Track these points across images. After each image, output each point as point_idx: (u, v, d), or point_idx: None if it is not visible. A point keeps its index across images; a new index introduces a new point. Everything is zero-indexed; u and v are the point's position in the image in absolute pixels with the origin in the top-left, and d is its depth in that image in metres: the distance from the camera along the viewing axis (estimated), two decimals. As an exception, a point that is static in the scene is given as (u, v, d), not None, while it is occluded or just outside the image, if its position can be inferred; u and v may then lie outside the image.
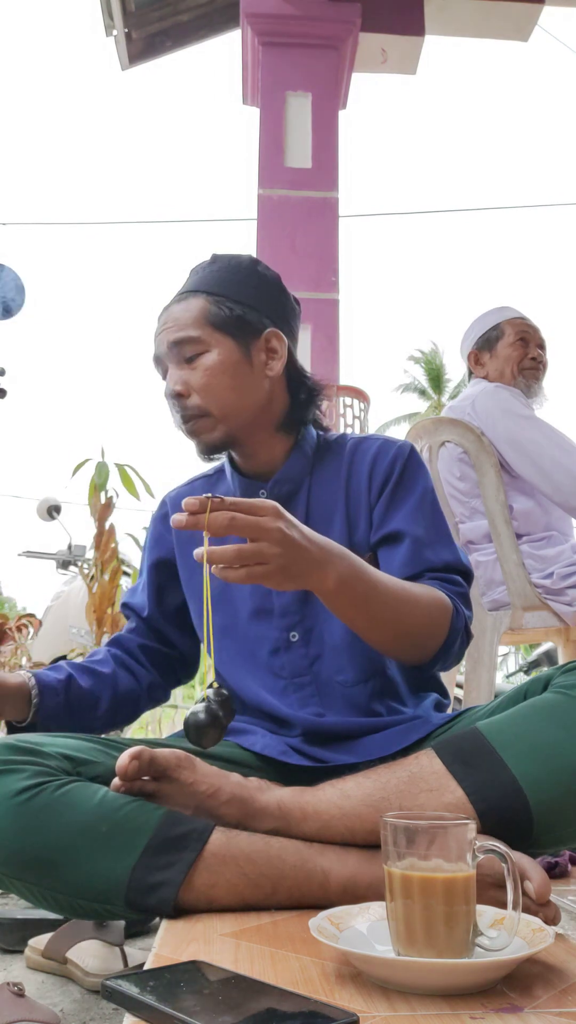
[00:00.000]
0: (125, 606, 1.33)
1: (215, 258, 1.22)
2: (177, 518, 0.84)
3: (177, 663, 1.32)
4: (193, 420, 1.16)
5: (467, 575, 1.15)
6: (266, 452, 1.21)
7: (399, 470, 1.18)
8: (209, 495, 0.84)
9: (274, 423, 1.20)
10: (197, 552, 0.85)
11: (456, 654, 1.11)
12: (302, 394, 1.23)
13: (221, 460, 1.29)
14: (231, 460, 1.26)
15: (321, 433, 1.26)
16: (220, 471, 1.29)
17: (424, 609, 1.05)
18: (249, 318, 1.17)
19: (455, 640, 1.09)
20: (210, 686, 0.92)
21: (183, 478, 1.36)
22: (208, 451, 1.19)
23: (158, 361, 1.20)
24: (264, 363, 1.18)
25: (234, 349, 1.16)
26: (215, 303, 1.17)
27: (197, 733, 0.89)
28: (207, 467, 1.33)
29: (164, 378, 1.20)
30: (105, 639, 2.54)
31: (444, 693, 1.23)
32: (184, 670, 1.33)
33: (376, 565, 1.15)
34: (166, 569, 1.28)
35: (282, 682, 1.14)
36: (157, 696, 1.29)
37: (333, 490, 1.21)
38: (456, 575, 1.13)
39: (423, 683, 1.21)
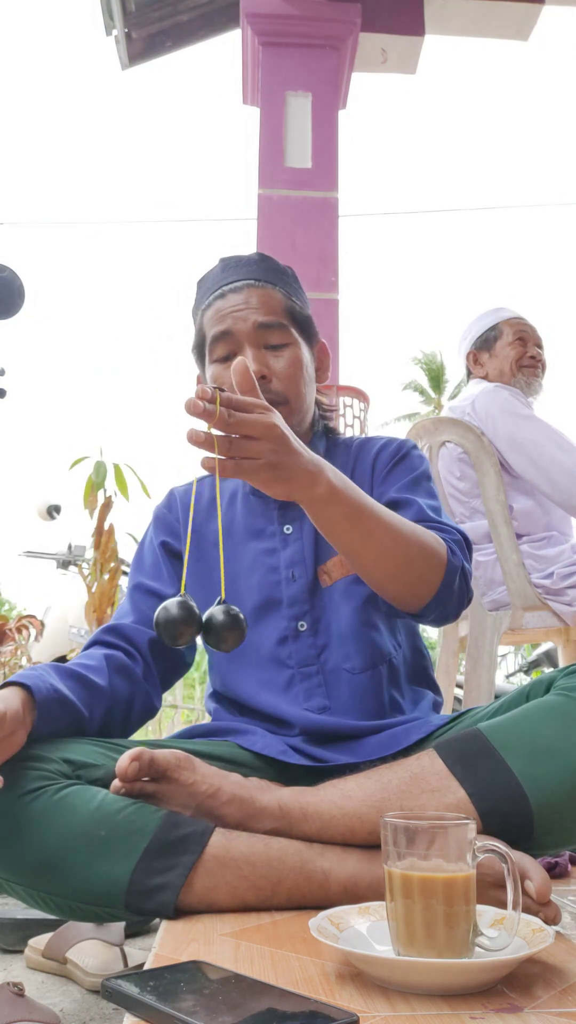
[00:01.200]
0: (139, 588, 1.23)
1: (264, 256, 1.24)
2: (193, 402, 0.82)
3: (180, 664, 1.24)
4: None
5: (464, 536, 1.13)
6: None
7: (400, 456, 1.23)
8: (218, 387, 0.84)
9: (308, 429, 1.25)
10: (190, 433, 0.83)
11: (456, 600, 1.08)
12: (322, 405, 1.29)
13: None
14: None
15: (331, 435, 1.30)
16: None
17: (419, 538, 1.03)
18: (313, 324, 1.24)
19: (453, 579, 1.06)
20: (220, 602, 0.89)
21: (183, 478, 1.36)
22: None
23: (224, 337, 1.17)
24: (316, 370, 1.25)
25: (306, 350, 1.22)
26: (290, 299, 1.21)
27: (217, 636, 0.87)
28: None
29: (216, 359, 1.18)
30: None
31: (437, 690, 1.23)
32: (182, 672, 1.27)
33: None
34: (172, 552, 1.27)
35: (288, 672, 1.14)
36: (150, 708, 1.17)
37: None
38: (452, 529, 1.11)
39: (421, 675, 1.22)
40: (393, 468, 1.22)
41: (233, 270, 1.21)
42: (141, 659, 1.17)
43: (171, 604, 0.87)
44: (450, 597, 1.07)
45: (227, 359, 1.18)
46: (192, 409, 0.82)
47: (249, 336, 1.17)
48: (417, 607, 1.07)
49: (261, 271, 1.21)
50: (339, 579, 1.16)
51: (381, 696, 1.13)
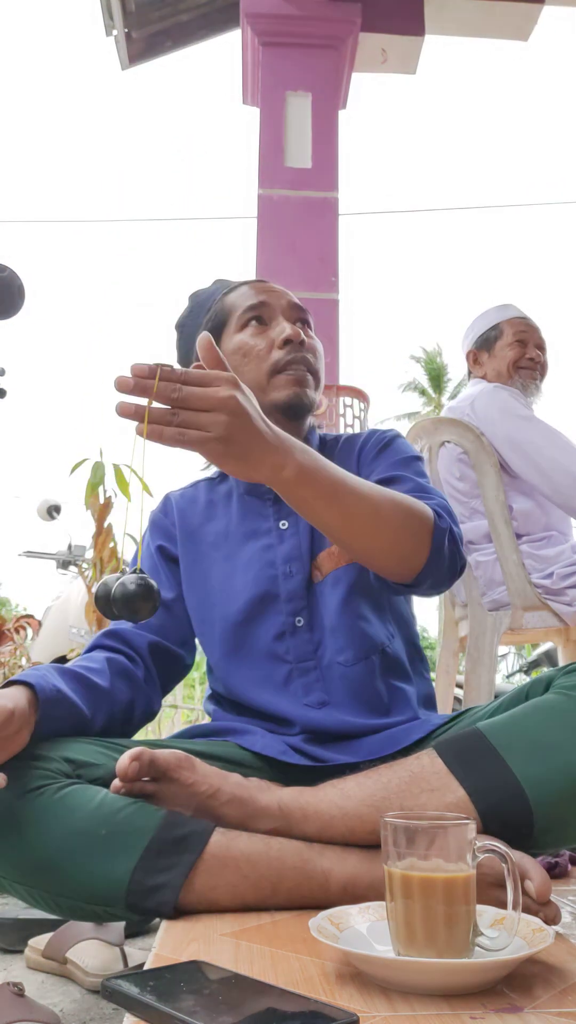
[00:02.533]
0: None
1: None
2: (123, 378, 0.78)
3: (180, 667, 1.25)
4: (306, 370, 1.18)
5: (453, 516, 1.11)
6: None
7: (384, 443, 1.24)
8: (160, 363, 0.79)
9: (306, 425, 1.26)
10: (119, 405, 0.78)
11: (448, 565, 1.05)
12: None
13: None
14: None
15: (322, 434, 1.30)
16: (221, 475, 1.30)
17: (402, 508, 1.00)
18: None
19: (442, 543, 1.03)
20: (134, 571, 0.87)
21: (182, 479, 1.37)
22: (298, 406, 1.18)
23: (260, 307, 1.21)
24: None
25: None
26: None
27: (127, 606, 0.83)
28: (203, 472, 1.35)
29: (245, 327, 1.21)
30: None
31: (429, 680, 1.24)
32: (182, 675, 1.27)
33: None
34: (169, 556, 1.27)
35: (286, 668, 1.13)
36: (150, 711, 1.18)
37: None
38: (438, 495, 1.10)
39: (413, 659, 1.21)
40: (381, 452, 1.22)
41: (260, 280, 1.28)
42: (142, 663, 1.17)
43: (127, 580, 0.85)
44: (441, 563, 1.04)
45: (258, 322, 1.21)
46: (120, 386, 0.78)
47: (284, 310, 1.22)
48: (409, 577, 1.05)
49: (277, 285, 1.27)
50: (329, 572, 1.16)
51: (377, 687, 1.12)
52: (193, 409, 0.80)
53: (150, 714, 1.18)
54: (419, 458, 1.22)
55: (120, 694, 1.11)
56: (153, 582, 0.86)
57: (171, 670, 1.23)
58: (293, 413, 1.18)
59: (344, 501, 0.95)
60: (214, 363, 0.85)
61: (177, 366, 0.81)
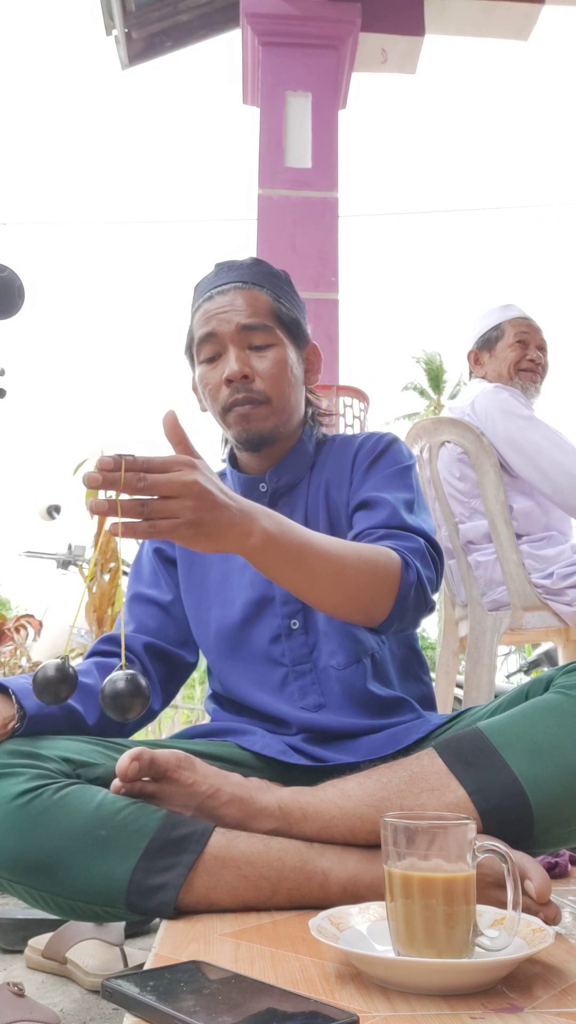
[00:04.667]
0: (137, 597, 1.25)
1: (256, 260, 1.25)
2: (92, 475, 0.78)
3: (183, 667, 1.25)
4: (251, 404, 1.16)
5: (433, 542, 1.12)
6: (277, 452, 1.23)
7: (379, 450, 1.22)
8: (122, 454, 0.79)
9: (296, 430, 1.24)
10: (90, 503, 0.78)
11: (412, 613, 1.07)
12: (311, 407, 1.29)
13: (224, 466, 1.30)
14: (232, 461, 1.27)
15: (319, 434, 1.29)
16: (221, 474, 1.30)
17: (368, 565, 1.01)
18: (302, 326, 1.23)
19: (407, 596, 1.04)
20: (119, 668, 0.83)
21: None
22: (253, 441, 1.18)
23: (209, 339, 1.18)
24: (304, 372, 1.25)
25: (292, 351, 1.21)
26: (278, 301, 1.21)
27: (116, 704, 0.79)
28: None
29: (202, 360, 1.19)
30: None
31: (428, 684, 1.23)
32: (186, 674, 1.27)
33: None
34: (166, 558, 1.27)
35: (282, 671, 1.14)
36: (150, 711, 1.18)
37: (320, 484, 1.23)
38: (415, 535, 1.10)
39: (410, 662, 1.21)
40: (373, 464, 1.21)
41: (225, 273, 1.22)
42: (138, 662, 1.18)
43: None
44: (405, 613, 1.06)
45: (213, 360, 1.19)
46: (91, 483, 0.78)
47: (232, 337, 1.17)
48: (373, 625, 1.07)
49: (251, 274, 1.21)
50: None
51: (370, 690, 1.13)
52: (160, 496, 0.80)
53: (148, 714, 1.18)
54: (410, 467, 1.22)
55: None
56: (139, 680, 0.81)
57: (173, 670, 1.23)
58: (251, 447, 1.18)
59: (309, 563, 0.95)
60: (177, 439, 0.85)
61: (138, 453, 0.80)
